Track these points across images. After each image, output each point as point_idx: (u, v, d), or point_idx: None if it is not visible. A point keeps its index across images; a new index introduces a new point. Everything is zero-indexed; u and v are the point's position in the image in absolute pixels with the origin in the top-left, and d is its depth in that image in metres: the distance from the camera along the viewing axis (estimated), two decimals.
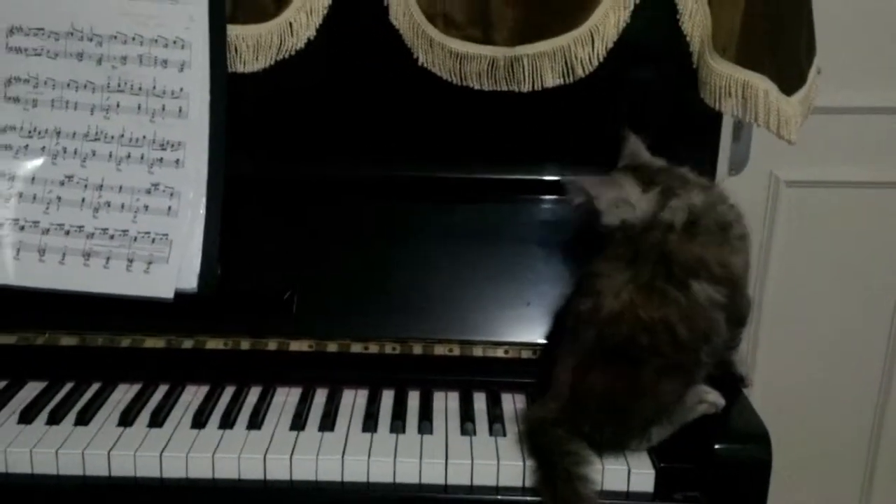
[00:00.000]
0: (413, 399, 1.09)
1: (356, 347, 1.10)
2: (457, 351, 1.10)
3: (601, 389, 0.94)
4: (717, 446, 0.91)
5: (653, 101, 1.18)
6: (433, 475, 0.96)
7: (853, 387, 1.62)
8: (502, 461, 0.96)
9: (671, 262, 0.96)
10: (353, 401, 1.09)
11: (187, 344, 1.10)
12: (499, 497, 0.96)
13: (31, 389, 1.09)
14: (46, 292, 1.08)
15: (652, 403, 0.93)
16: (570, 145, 1.18)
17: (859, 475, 1.68)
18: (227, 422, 1.02)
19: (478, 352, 1.10)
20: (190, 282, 1.07)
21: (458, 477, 0.96)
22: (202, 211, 1.09)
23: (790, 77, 1.12)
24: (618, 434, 0.95)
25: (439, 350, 1.11)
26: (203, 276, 1.07)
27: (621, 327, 0.94)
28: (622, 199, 1.02)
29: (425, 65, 1.13)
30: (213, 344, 1.10)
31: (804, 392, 1.62)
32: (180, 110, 1.10)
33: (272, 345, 1.11)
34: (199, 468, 0.96)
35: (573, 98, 1.13)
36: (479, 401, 1.09)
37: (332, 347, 1.11)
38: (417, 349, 1.11)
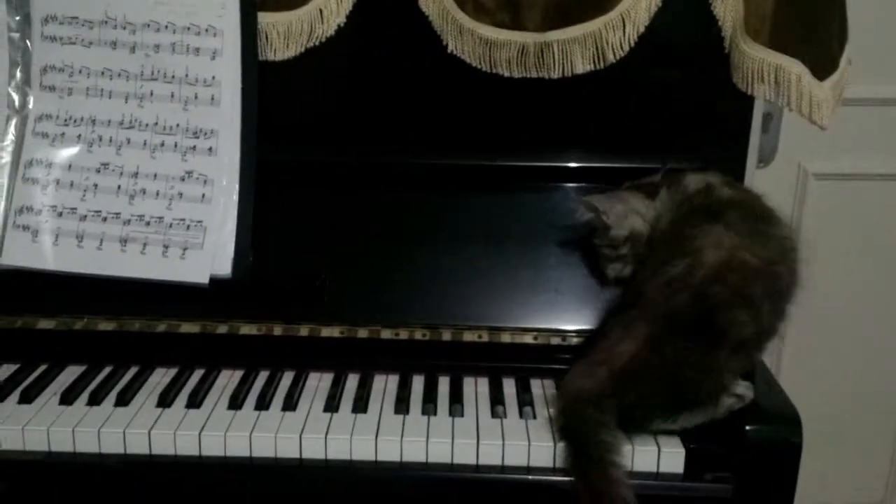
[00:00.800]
0: (443, 384, 1.11)
1: (386, 333, 1.13)
2: (486, 337, 1.12)
3: (672, 362, 0.94)
4: (748, 427, 0.93)
5: (681, 89, 1.18)
6: (465, 455, 0.99)
7: (881, 379, 1.62)
8: (533, 442, 0.98)
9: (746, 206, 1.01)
10: (385, 385, 1.11)
11: (221, 329, 1.13)
12: (529, 477, 0.98)
13: (71, 373, 1.13)
14: (85, 278, 1.11)
15: (716, 382, 0.94)
16: (596, 133, 1.19)
17: (885, 468, 1.69)
18: (263, 403, 1.05)
19: (506, 338, 1.13)
20: (224, 268, 1.10)
21: (489, 457, 0.99)
22: (235, 198, 1.11)
23: (822, 62, 1.13)
24: (663, 411, 0.96)
25: (468, 336, 1.13)
26: (237, 262, 1.10)
27: (729, 277, 0.94)
28: (630, 209, 1.06)
29: (454, 52, 1.14)
30: (247, 329, 1.13)
31: (831, 384, 1.63)
32: (213, 98, 1.12)
33: (304, 330, 1.13)
34: (237, 447, 1.00)
35: (599, 86, 1.15)
36: (509, 386, 1.11)
37: (362, 333, 1.13)
38: (447, 335, 1.13)
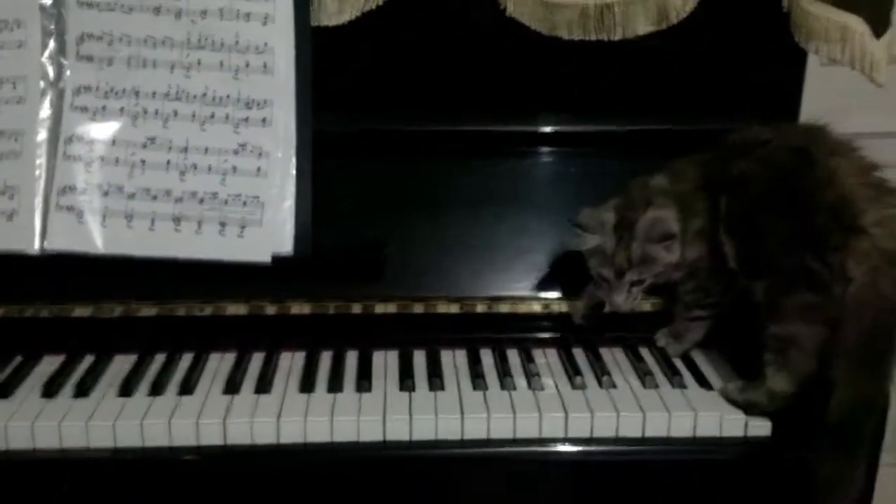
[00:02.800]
0: (514, 357, 1.10)
1: (453, 308, 1.09)
2: (556, 308, 1.10)
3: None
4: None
5: (733, 55, 1.16)
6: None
7: None
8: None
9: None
10: (454, 360, 1.09)
11: (271, 310, 1.09)
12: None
13: (122, 363, 1.07)
14: (128, 261, 1.05)
15: None
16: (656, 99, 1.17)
17: None
18: (336, 386, 1.02)
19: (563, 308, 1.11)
20: (285, 245, 1.05)
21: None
22: (292, 171, 1.06)
23: (879, 19, 1.13)
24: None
25: (535, 307, 1.11)
26: (298, 238, 1.05)
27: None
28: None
29: (513, 15, 1.10)
30: (303, 308, 1.09)
31: None
32: (265, 66, 1.06)
33: (358, 308, 1.09)
34: (317, 432, 0.96)
35: (666, 50, 1.13)
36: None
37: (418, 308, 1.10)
38: (504, 308, 1.11)
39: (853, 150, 1.00)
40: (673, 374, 1.05)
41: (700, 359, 1.10)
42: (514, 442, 0.97)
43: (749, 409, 0.98)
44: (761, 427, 0.98)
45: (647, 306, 1.09)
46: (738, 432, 0.98)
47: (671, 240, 1.01)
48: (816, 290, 0.95)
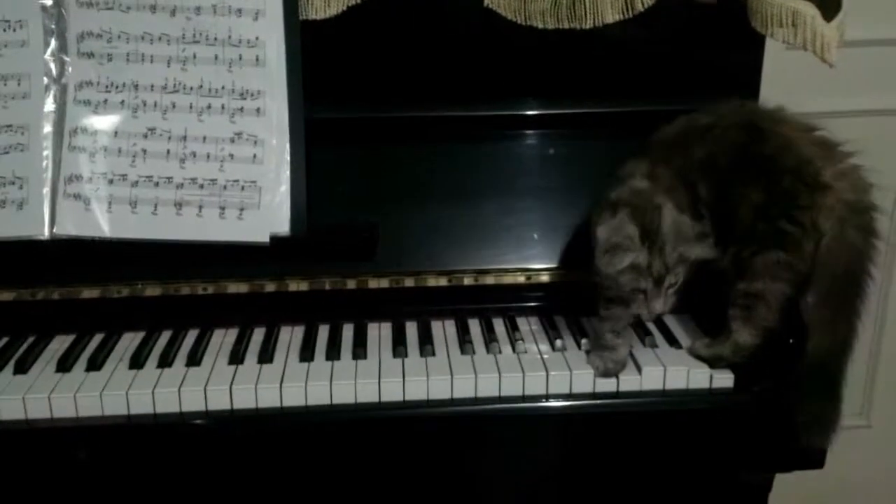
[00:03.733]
0: (499, 325, 1.18)
1: (442, 281, 1.18)
2: (545, 278, 1.18)
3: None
4: (791, 340, 1.03)
5: (697, 40, 1.25)
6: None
7: None
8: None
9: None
10: (444, 329, 1.17)
11: (271, 287, 1.16)
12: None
13: (130, 339, 1.15)
14: (132, 244, 1.12)
15: None
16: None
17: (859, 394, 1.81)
18: (334, 354, 1.10)
19: (555, 278, 1.19)
20: (282, 226, 1.13)
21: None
22: (287, 157, 1.14)
23: (830, 4, 1.22)
24: None
25: (519, 279, 1.19)
26: (294, 219, 1.13)
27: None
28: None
29: (490, 6, 1.18)
30: (300, 286, 1.16)
31: None
32: (257, 59, 1.14)
33: (353, 283, 1.17)
34: (317, 396, 1.04)
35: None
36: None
37: (410, 283, 1.18)
38: (489, 279, 1.19)
39: (789, 116, 1.09)
40: (645, 335, 1.14)
41: (671, 322, 1.19)
42: (500, 399, 1.06)
43: (715, 362, 1.07)
44: (725, 379, 1.07)
45: None
46: (703, 384, 1.08)
47: (706, 238, 1.03)
48: (787, 249, 1.02)
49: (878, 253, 1.02)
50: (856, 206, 1.01)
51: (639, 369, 1.07)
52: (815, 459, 1.09)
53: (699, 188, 1.06)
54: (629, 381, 1.07)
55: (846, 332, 1.00)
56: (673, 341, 1.13)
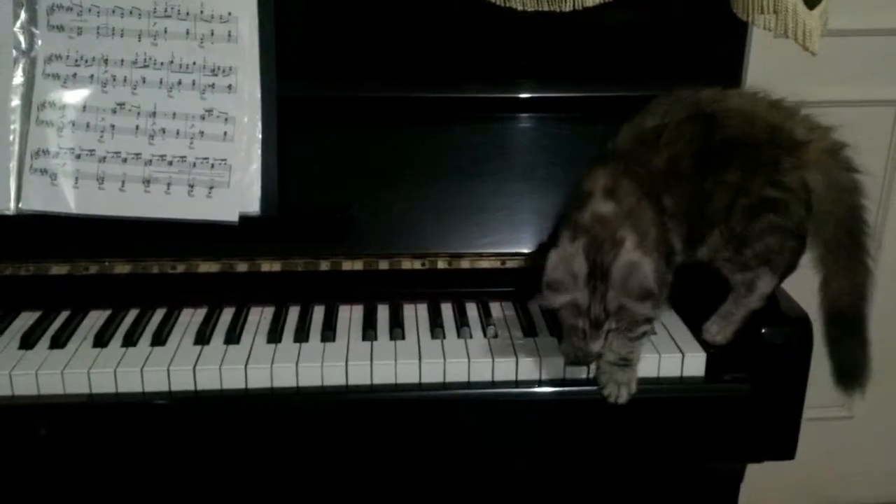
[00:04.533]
0: (472, 310, 1.17)
1: (417, 264, 1.16)
2: (521, 263, 1.17)
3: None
4: (763, 330, 1.02)
5: (680, 26, 1.25)
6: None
7: None
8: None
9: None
10: (416, 313, 1.17)
11: (242, 267, 1.15)
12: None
13: (97, 317, 1.14)
14: (103, 221, 1.11)
15: None
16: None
17: None
18: (302, 336, 1.09)
19: (530, 264, 1.17)
20: (252, 205, 1.12)
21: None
22: (258, 135, 1.13)
23: None
24: None
25: (495, 263, 1.17)
26: (265, 199, 1.12)
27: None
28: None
29: None
30: (273, 266, 1.15)
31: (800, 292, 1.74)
32: (230, 34, 1.12)
33: (326, 265, 1.16)
34: (283, 378, 1.03)
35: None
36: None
37: (384, 265, 1.17)
38: (465, 264, 1.18)
39: (729, 93, 1.07)
40: None
41: None
42: (468, 385, 1.05)
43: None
44: (696, 368, 1.06)
45: None
46: (674, 372, 1.07)
47: (650, 298, 0.95)
48: (777, 211, 1.02)
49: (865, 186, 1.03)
50: (833, 150, 1.03)
51: None
52: (786, 450, 1.09)
53: (664, 200, 1.02)
54: None
55: (864, 273, 1.02)
56: None
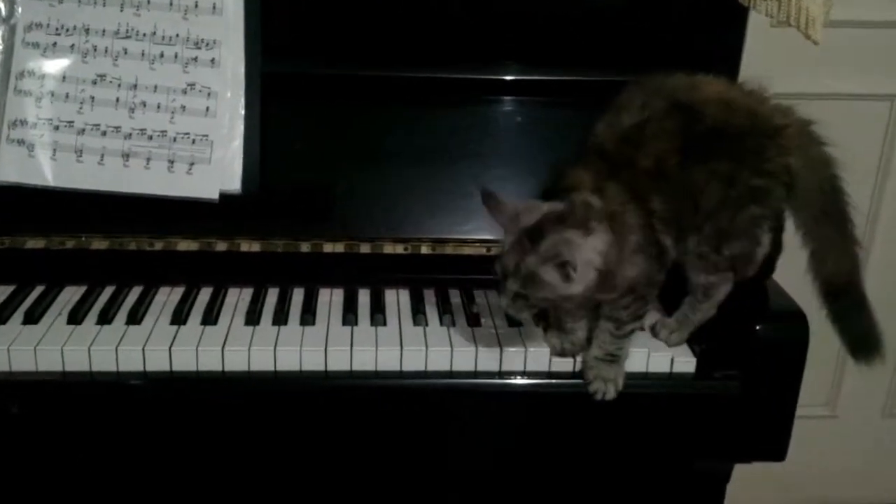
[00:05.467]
0: (455, 297, 1.16)
1: (399, 248, 1.15)
2: (498, 250, 1.15)
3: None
4: (757, 326, 1.00)
5: (678, 9, 1.21)
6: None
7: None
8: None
9: None
10: (397, 299, 1.15)
11: (221, 247, 1.14)
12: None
13: (72, 293, 1.12)
14: (81, 195, 1.09)
15: None
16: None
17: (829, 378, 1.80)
18: (281, 319, 1.08)
19: None
20: (233, 183, 1.10)
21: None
22: (241, 111, 1.11)
23: None
24: None
25: (479, 250, 1.16)
26: (246, 177, 1.10)
27: None
28: (587, 261, 0.94)
29: None
30: (252, 246, 1.14)
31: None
32: (214, 7, 1.11)
33: (306, 247, 1.14)
34: (261, 361, 1.02)
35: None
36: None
37: (365, 249, 1.15)
38: (448, 249, 1.16)
39: (699, 80, 1.04)
40: None
41: None
42: (451, 374, 1.04)
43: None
44: (686, 364, 1.05)
45: None
46: (664, 368, 1.05)
47: (562, 271, 0.93)
48: (760, 202, 1.00)
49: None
50: (805, 128, 1.03)
51: None
52: (777, 450, 1.08)
53: (652, 202, 0.99)
54: None
55: (853, 242, 1.03)
56: None
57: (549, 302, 0.96)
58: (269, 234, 1.13)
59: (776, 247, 1.06)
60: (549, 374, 1.05)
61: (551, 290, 0.94)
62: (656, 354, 1.05)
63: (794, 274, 1.05)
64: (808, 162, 1.01)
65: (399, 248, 1.15)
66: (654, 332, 1.09)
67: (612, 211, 0.97)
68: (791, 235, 1.05)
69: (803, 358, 1.03)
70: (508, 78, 1.20)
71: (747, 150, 0.99)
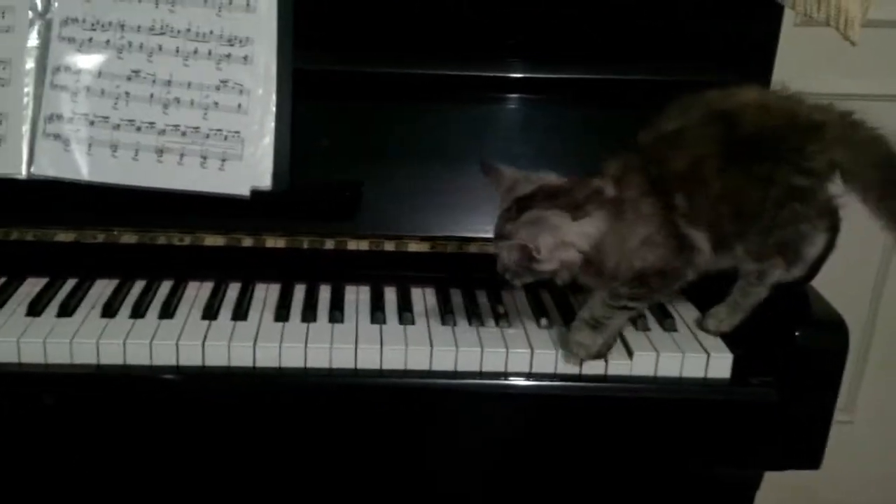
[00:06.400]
0: (482, 297, 1.17)
1: (423, 246, 1.16)
2: None
3: None
4: (797, 333, 1.00)
5: (708, 6, 1.21)
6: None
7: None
8: None
9: None
10: (424, 297, 1.17)
11: (248, 242, 1.15)
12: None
13: (104, 286, 1.15)
14: (112, 190, 1.11)
15: None
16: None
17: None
18: (310, 316, 1.09)
19: None
20: (263, 180, 1.12)
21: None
22: (272, 108, 1.13)
23: None
24: None
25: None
26: (276, 173, 1.12)
27: None
28: (561, 242, 0.98)
29: None
30: (278, 242, 1.15)
31: None
32: (248, 4, 1.13)
33: (331, 244, 1.15)
34: (291, 358, 1.04)
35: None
36: None
37: (390, 246, 1.16)
38: (473, 248, 1.16)
39: (734, 89, 1.05)
40: (638, 317, 1.11)
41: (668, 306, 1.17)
42: (481, 375, 1.05)
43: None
44: (721, 369, 1.04)
45: None
46: (698, 373, 1.05)
47: (525, 248, 0.96)
48: (802, 200, 1.01)
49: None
50: (846, 119, 1.03)
51: (630, 353, 1.06)
52: (812, 459, 1.07)
53: (675, 199, 1.00)
54: (619, 366, 1.06)
55: None
56: (668, 326, 1.11)
57: (528, 272, 0.99)
58: (295, 231, 1.15)
59: (828, 247, 1.07)
60: (580, 378, 1.05)
61: (522, 262, 0.98)
62: (691, 357, 1.05)
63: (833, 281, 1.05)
64: (854, 148, 1.02)
65: (424, 247, 1.16)
66: (701, 325, 1.10)
67: (624, 198, 0.99)
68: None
69: (842, 365, 1.03)
70: (542, 76, 1.20)
71: (787, 149, 1.00)
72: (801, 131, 1.01)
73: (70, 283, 1.15)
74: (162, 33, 1.12)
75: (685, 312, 1.15)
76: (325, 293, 1.15)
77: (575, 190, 0.99)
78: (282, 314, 1.09)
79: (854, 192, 1.03)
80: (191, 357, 1.03)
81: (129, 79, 1.12)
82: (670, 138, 1.02)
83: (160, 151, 1.11)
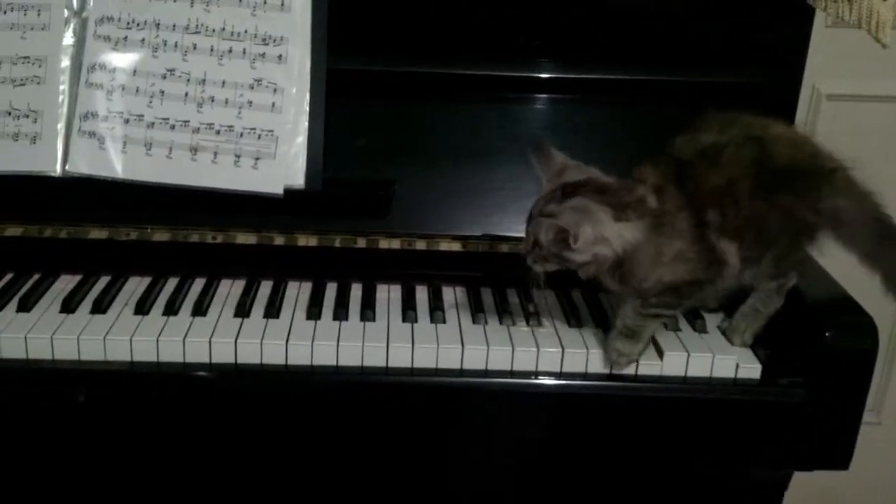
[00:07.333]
0: (513, 296, 1.18)
1: (455, 246, 1.17)
2: None
3: None
4: (827, 334, 1.01)
5: (739, 8, 1.22)
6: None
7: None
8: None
9: None
10: (455, 296, 1.18)
11: (280, 240, 1.16)
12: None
13: (136, 283, 1.16)
14: (147, 187, 1.12)
15: None
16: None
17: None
18: (342, 314, 1.11)
19: None
20: (297, 178, 1.13)
21: None
22: (306, 107, 1.14)
23: None
24: None
25: None
26: (309, 172, 1.13)
27: None
28: (600, 237, 0.99)
29: None
30: (309, 241, 1.16)
31: None
32: (282, 4, 1.14)
33: (363, 242, 1.17)
34: (323, 356, 1.05)
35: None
36: None
37: (421, 245, 1.17)
38: (504, 248, 1.17)
39: (762, 118, 1.08)
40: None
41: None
42: (512, 374, 1.07)
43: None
44: (752, 370, 1.06)
45: None
46: (728, 374, 1.07)
47: (565, 233, 0.98)
48: (810, 237, 1.05)
49: None
50: (846, 172, 1.05)
51: (660, 354, 1.07)
52: (841, 459, 1.09)
53: (708, 214, 1.01)
54: (649, 366, 1.07)
55: None
56: (698, 327, 1.13)
57: (556, 258, 1.00)
58: (327, 230, 1.17)
59: None
60: (611, 377, 1.07)
61: (555, 245, 0.99)
62: (721, 359, 1.06)
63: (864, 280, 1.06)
64: (854, 198, 1.05)
65: (456, 246, 1.18)
66: (725, 335, 1.11)
67: (664, 212, 1.01)
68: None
69: (872, 366, 1.04)
70: (575, 76, 1.22)
71: (808, 187, 1.04)
72: (819, 172, 1.05)
73: (103, 281, 1.17)
74: (197, 32, 1.14)
75: (715, 314, 1.16)
76: (356, 291, 1.17)
77: (622, 192, 1.01)
78: (314, 312, 1.11)
79: (843, 243, 1.05)
80: (223, 355, 1.05)
81: (163, 77, 1.14)
82: (708, 153, 1.04)
83: (194, 150, 1.13)
